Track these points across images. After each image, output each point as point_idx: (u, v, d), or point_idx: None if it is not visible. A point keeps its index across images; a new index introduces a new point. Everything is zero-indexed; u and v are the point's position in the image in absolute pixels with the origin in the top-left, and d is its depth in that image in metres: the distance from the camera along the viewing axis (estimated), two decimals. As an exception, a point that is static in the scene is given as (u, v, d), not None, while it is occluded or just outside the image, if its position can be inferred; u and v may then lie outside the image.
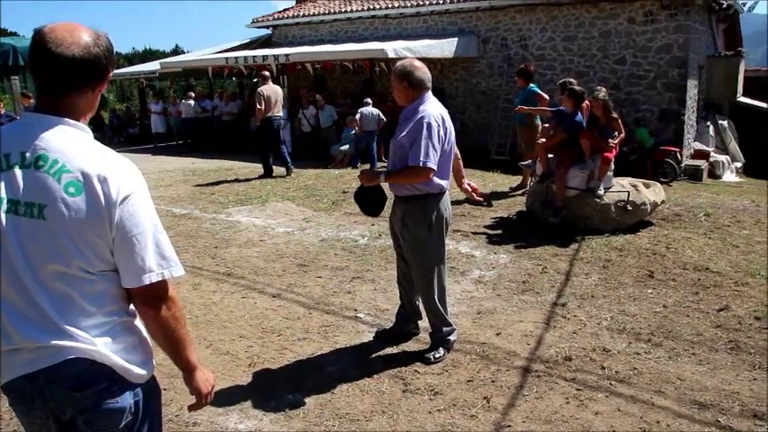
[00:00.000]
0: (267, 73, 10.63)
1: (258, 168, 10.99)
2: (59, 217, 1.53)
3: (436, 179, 3.73)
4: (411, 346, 4.15)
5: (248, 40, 19.46)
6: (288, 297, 5.01)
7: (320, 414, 3.36)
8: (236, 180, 10.48)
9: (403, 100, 3.76)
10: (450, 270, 5.57)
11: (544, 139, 7.02)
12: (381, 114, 11.99)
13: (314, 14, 17.87)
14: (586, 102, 6.77)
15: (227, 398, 3.51)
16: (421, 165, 3.58)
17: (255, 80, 21.30)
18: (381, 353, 4.06)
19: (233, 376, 3.79)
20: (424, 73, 3.73)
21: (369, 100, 12.21)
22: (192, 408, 1.92)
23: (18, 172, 1.55)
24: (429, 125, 3.59)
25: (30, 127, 1.60)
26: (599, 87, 6.94)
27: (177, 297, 1.73)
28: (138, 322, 1.73)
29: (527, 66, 8.97)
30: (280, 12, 19.01)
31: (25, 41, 28.10)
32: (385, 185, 3.88)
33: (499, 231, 6.78)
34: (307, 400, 3.50)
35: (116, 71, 24.95)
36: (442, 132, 3.67)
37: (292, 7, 19.14)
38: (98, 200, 1.54)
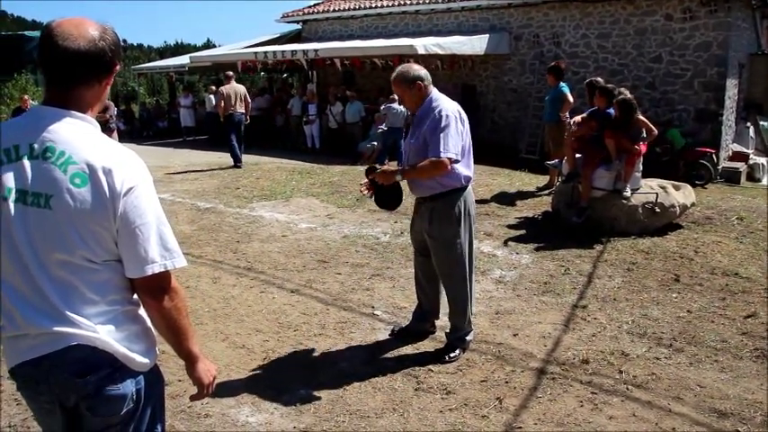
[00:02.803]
0: (231, 73, 12.06)
1: (284, 163, 11.09)
2: (65, 207, 1.57)
3: (460, 170, 3.70)
4: (426, 344, 4.12)
5: (278, 35, 19.58)
6: (306, 293, 5.03)
7: (331, 410, 3.37)
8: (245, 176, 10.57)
9: (416, 102, 3.75)
10: (471, 269, 5.53)
11: (572, 134, 6.90)
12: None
13: (344, 10, 17.88)
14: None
15: (240, 391, 3.55)
16: (442, 156, 3.56)
17: (285, 75, 21.55)
18: (396, 351, 4.05)
19: (247, 370, 3.82)
20: (425, 69, 3.78)
21: (396, 96, 12.16)
22: (193, 398, 1.94)
23: (27, 163, 1.59)
24: (447, 116, 3.60)
25: (39, 119, 1.64)
26: (621, 89, 6.80)
27: (180, 288, 1.76)
28: (142, 312, 1.76)
29: (558, 63, 8.83)
30: (310, 7, 19.05)
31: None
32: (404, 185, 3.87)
33: (523, 231, 6.69)
34: (318, 395, 3.51)
35: (146, 65, 25.51)
36: (460, 125, 3.67)
37: (323, 2, 19.16)
38: (102, 191, 1.58)
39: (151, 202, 1.67)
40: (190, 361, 1.84)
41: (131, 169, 1.64)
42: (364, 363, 3.89)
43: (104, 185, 1.58)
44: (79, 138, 1.62)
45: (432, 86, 3.77)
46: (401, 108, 11.81)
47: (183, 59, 19.97)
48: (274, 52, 15.50)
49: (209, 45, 48.44)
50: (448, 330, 4.06)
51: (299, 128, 15.30)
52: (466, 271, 3.89)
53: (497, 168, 10.54)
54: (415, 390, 3.56)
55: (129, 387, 1.70)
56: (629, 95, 6.59)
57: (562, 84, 8.44)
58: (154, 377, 1.82)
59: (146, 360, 1.74)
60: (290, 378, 3.70)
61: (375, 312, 4.65)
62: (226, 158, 11.79)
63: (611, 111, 6.57)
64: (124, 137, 17.38)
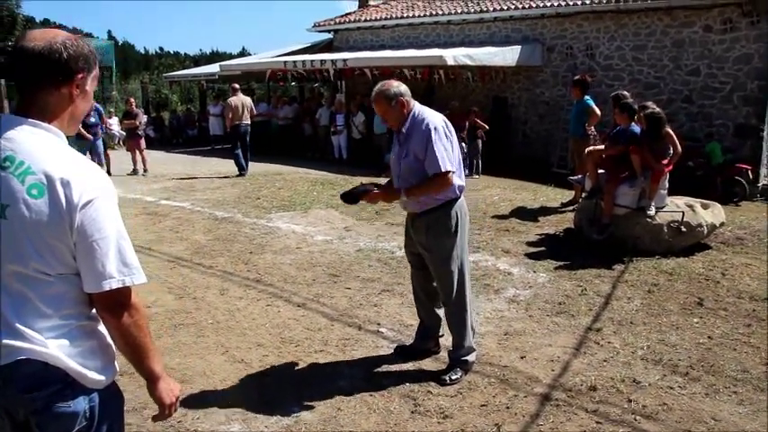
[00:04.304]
0: (237, 86, 12.38)
1: (308, 173, 11.12)
2: (20, 218, 1.55)
3: (455, 181, 3.64)
4: (428, 364, 4.00)
5: (310, 44, 19.72)
6: (312, 307, 4.96)
7: (322, 429, 3.27)
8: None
9: (399, 119, 3.67)
10: (484, 287, 5.39)
11: (599, 153, 6.70)
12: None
13: (376, 19, 17.90)
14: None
15: (233, 406, 3.48)
16: (443, 171, 3.52)
17: (316, 84, 21.70)
18: (397, 369, 3.94)
19: (243, 385, 3.75)
20: (405, 86, 3.73)
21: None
22: (155, 418, 1.88)
23: None
24: (435, 129, 3.55)
25: (1, 128, 1.62)
26: (647, 103, 6.58)
27: (140, 305, 1.71)
28: (102, 327, 1.72)
29: (584, 76, 8.63)
30: (341, 16, 19.14)
31: (95, 42, 29.53)
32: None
33: (542, 248, 6.50)
34: (312, 414, 3.41)
35: (177, 73, 25.96)
36: (449, 134, 3.64)
37: (354, 12, 19.24)
38: (60, 203, 1.55)
39: (110, 215, 1.62)
40: (151, 380, 1.78)
41: (91, 182, 1.60)
42: (362, 381, 3.78)
43: (62, 197, 1.55)
44: (40, 148, 1.59)
45: (413, 101, 3.70)
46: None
47: (214, 68, 20.31)
48: (303, 61, 15.58)
49: (243, 53, 49.16)
50: (450, 348, 3.93)
51: (327, 138, 15.34)
52: (464, 282, 3.79)
53: (523, 182, 10.36)
54: (412, 412, 3.44)
55: (81, 404, 1.65)
56: (657, 109, 6.37)
57: (587, 97, 8.24)
58: (111, 394, 1.76)
59: (101, 377, 1.69)
60: (285, 395, 3.61)
61: (380, 330, 4.54)
62: (250, 167, 11.89)
63: (635, 127, 6.35)
64: (154, 144, 17.73)
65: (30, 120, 1.61)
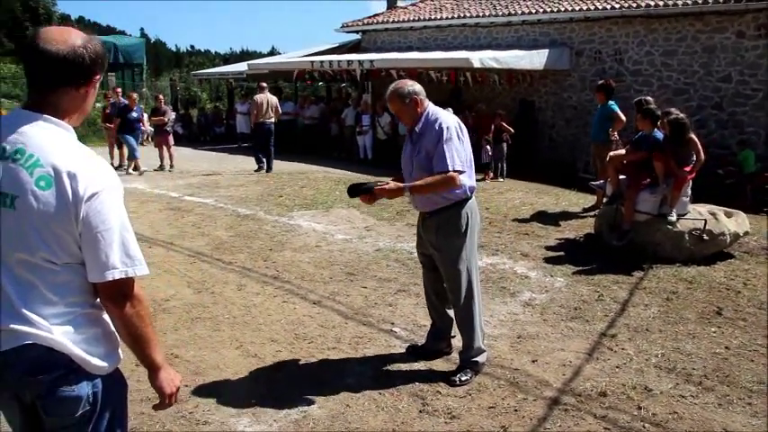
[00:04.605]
0: (264, 84, 12.74)
1: (332, 172, 11.19)
2: (28, 208, 1.61)
3: (464, 181, 3.66)
4: (439, 365, 4.01)
5: (338, 44, 19.82)
6: (328, 305, 5.01)
7: (330, 426, 3.31)
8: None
9: (413, 117, 3.71)
10: (500, 290, 5.39)
11: (620, 158, 6.64)
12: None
13: (403, 21, 17.92)
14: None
15: (243, 400, 3.54)
16: (449, 169, 3.54)
17: (343, 85, 21.81)
18: (407, 369, 3.96)
19: (254, 379, 3.81)
20: (419, 85, 3.77)
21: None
22: (156, 407, 1.93)
23: None
24: (448, 128, 3.59)
25: (14, 122, 1.69)
26: (670, 109, 6.49)
27: (143, 296, 1.76)
28: (106, 316, 1.77)
29: (608, 81, 8.54)
30: (370, 17, 19.18)
31: (127, 39, 30.04)
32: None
33: (561, 253, 6.46)
34: (320, 410, 3.46)
35: (205, 71, 26.26)
36: (462, 135, 3.66)
37: (383, 13, 19.28)
38: (66, 195, 1.61)
39: (115, 208, 1.68)
40: (152, 369, 1.83)
41: (96, 175, 1.66)
42: (372, 380, 3.81)
43: (68, 189, 1.61)
44: (49, 142, 1.65)
45: (427, 101, 3.74)
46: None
47: (242, 66, 20.53)
48: (330, 62, 15.67)
49: (273, 53, 49.53)
50: (461, 349, 3.94)
51: (352, 138, 15.41)
52: (473, 283, 3.81)
53: (546, 186, 10.29)
54: (420, 411, 3.46)
55: (84, 389, 1.71)
56: (681, 115, 6.29)
57: (611, 102, 8.16)
58: (114, 380, 1.82)
59: (104, 363, 1.74)
60: (295, 390, 3.66)
61: (393, 329, 4.57)
62: (275, 165, 12.01)
63: (658, 133, 6.28)
64: (182, 140, 17.98)
65: (43, 116, 1.68)
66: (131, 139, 12.12)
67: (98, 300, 1.74)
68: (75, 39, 1.67)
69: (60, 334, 1.66)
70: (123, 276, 1.67)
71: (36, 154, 1.63)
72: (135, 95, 13.17)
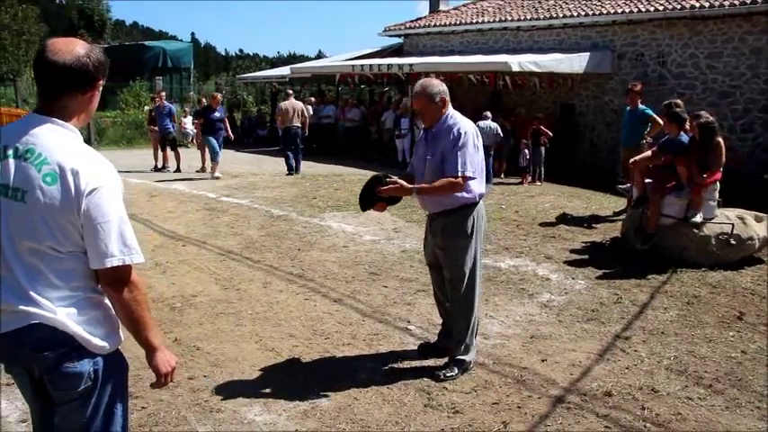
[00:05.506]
0: (291, 91, 13.70)
1: (368, 175, 11.32)
2: (36, 202, 1.82)
3: (473, 186, 3.76)
4: (449, 362, 4.11)
5: (380, 48, 20.02)
6: (347, 303, 5.16)
7: (336, 417, 3.45)
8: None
9: (435, 118, 3.80)
10: (519, 292, 5.44)
11: (640, 157, 6.60)
12: (500, 129, 11.86)
13: (445, 25, 17.97)
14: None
15: (256, 390, 3.72)
16: (460, 174, 3.65)
17: (386, 89, 22.01)
18: (417, 365, 4.07)
19: (269, 371, 3.99)
20: (444, 85, 3.85)
21: (488, 113, 12.09)
22: (153, 386, 2.12)
23: (12, 161, 1.86)
24: (465, 134, 3.69)
25: (27, 125, 1.91)
26: (700, 112, 6.40)
27: (140, 282, 1.96)
28: (107, 300, 1.97)
29: (638, 84, 8.45)
30: (412, 21, 19.29)
31: (175, 44, 30.81)
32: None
33: (585, 256, 6.46)
34: (328, 402, 3.60)
35: (249, 74, 26.80)
36: (477, 141, 3.74)
37: (425, 17, 19.37)
38: (69, 189, 1.81)
39: (114, 203, 1.87)
40: (149, 350, 2.01)
41: (97, 172, 1.86)
42: (382, 375, 3.94)
43: (71, 184, 1.81)
44: (56, 142, 1.86)
45: (450, 104, 3.83)
46: (493, 125, 11.70)
47: (285, 70, 20.93)
48: (371, 65, 15.87)
49: (320, 56, 50.18)
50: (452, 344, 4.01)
51: (391, 141, 15.56)
52: (474, 285, 3.89)
53: (581, 190, 10.21)
54: (424, 406, 3.57)
55: (86, 366, 1.90)
56: (710, 118, 6.20)
57: (643, 106, 8.08)
58: (115, 361, 2.01)
59: (104, 344, 1.93)
60: (306, 383, 3.82)
61: (408, 327, 4.69)
62: (313, 168, 12.26)
63: (684, 137, 6.21)
64: (226, 143, 18.45)
65: (52, 119, 1.89)
66: (213, 141, 11.99)
67: (99, 285, 1.93)
68: (79, 49, 1.87)
69: (64, 315, 1.85)
70: (121, 264, 1.86)
71: (44, 153, 1.84)
72: (219, 96, 13.25)
